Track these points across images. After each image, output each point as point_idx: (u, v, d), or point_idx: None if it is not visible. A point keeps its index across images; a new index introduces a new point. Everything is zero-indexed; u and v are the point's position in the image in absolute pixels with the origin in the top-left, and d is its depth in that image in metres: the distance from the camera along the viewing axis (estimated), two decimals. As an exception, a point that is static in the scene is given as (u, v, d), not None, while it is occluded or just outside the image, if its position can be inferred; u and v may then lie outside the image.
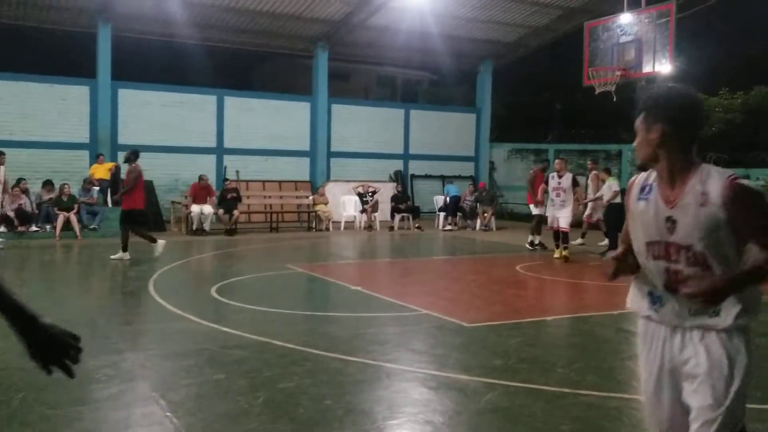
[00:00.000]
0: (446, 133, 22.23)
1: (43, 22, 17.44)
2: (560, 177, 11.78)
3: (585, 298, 8.58)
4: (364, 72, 29.13)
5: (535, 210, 13.43)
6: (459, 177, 21.91)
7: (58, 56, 18.14)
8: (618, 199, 11.75)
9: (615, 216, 11.65)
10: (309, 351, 5.46)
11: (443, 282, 9.81)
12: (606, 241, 13.06)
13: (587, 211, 14.30)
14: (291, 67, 26.69)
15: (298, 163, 20.00)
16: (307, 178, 19.90)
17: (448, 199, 18.47)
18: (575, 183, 11.91)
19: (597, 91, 14.59)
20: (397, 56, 21.31)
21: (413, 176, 21.78)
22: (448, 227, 17.78)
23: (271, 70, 28.99)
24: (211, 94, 19.20)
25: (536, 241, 13.28)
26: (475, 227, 17.76)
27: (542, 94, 25.35)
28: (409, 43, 19.59)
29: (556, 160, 12.47)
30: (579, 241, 14.19)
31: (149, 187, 16.74)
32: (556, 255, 11.88)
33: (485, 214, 17.67)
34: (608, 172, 13.68)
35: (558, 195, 11.71)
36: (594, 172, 14.56)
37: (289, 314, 7.25)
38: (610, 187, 12.49)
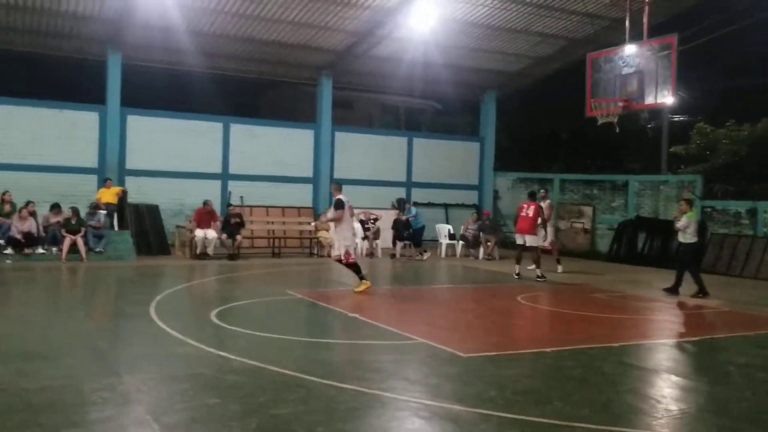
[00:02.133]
0: (449, 161, 22.40)
1: (55, 50, 17.80)
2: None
3: (587, 330, 8.56)
4: (367, 100, 29.45)
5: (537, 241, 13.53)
6: (462, 205, 22.02)
7: (68, 83, 18.48)
8: (694, 237, 11.47)
9: (692, 254, 11.61)
10: (304, 377, 5.51)
11: (442, 311, 9.85)
12: None
13: (549, 238, 14.87)
14: (295, 95, 27.01)
15: (301, 190, 20.18)
16: (310, 205, 20.05)
17: (410, 220, 17.84)
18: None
19: (600, 122, 14.71)
20: (401, 85, 21.58)
21: (416, 204, 21.88)
22: (400, 253, 17.72)
23: (276, 98, 29.33)
24: (218, 121, 19.46)
25: (539, 273, 13.26)
26: (478, 256, 17.80)
27: (547, 124, 25.56)
28: (413, 72, 19.85)
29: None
30: (560, 269, 14.66)
31: (155, 210, 16.97)
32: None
33: (488, 243, 17.72)
34: (689, 204, 11.82)
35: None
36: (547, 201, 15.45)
37: (286, 340, 7.30)
38: (689, 222, 11.42)
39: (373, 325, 8.09)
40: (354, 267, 10.69)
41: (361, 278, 10.67)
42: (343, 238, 10.69)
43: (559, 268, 14.68)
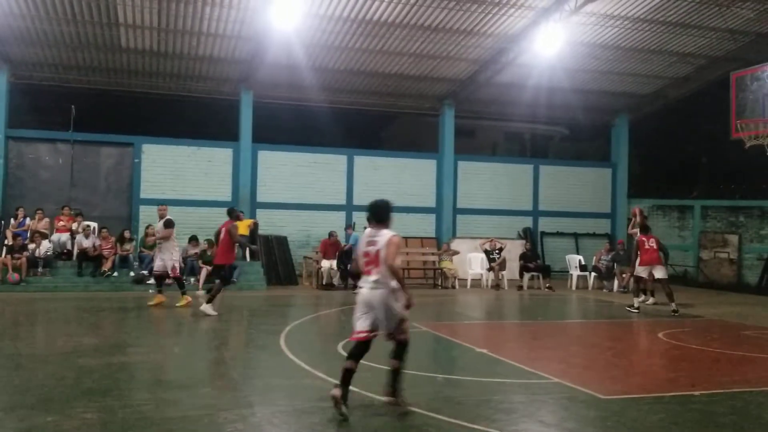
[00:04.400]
0: (579, 189, 21.55)
1: (192, 91, 19.06)
2: None
3: (738, 371, 7.72)
4: (490, 128, 29.00)
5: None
6: (593, 235, 21.03)
7: (204, 122, 19.70)
8: None
9: None
10: (432, 416, 5.28)
11: (576, 348, 9.26)
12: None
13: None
14: (417, 126, 27.17)
15: (424, 220, 20.12)
16: (433, 235, 19.91)
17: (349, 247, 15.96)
18: None
19: (747, 145, 13.54)
20: (525, 112, 21.12)
21: (543, 234, 21.16)
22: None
23: (398, 129, 29.67)
24: (342, 153, 19.95)
25: (673, 307, 12.30)
26: (612, 289, 16.82)
27: (685, 148, 23.94)
28: (538, 98, 19.36)
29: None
30: (651, 300, 13.86)
31: (283, 242, 17.54)
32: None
33: (623, 275, 16.68)
34: None
35: None
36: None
37: (412, 375, 7.09)
38: None
39: (503, 362, 7.72)
40: (179, 281, 12.02)
41: (183, 293, 11.91)
42: (171, 254, 11.85)
43: (650, 300, 13.93)
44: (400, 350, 5.51)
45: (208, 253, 15.21)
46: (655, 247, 12.77)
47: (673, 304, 12.26)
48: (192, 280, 15.14)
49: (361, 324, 5.38)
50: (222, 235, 11.79)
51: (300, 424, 5.09)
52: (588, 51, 17.35)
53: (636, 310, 12.50)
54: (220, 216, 17.98)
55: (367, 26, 15.96)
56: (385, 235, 5.31)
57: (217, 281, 11.55)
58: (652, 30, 16.41)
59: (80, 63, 17.48)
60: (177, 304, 11.50)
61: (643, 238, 12.90)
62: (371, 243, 5.37)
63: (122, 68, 17.86)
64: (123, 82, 18.47)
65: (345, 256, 16.02)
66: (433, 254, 17.92)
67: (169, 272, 11.91)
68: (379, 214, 5.50)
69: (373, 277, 5.31)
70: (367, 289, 5.34)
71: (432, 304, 14.31)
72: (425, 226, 20.07)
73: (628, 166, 22.12)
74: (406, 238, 19.31)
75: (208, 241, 15.49)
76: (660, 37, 16.81)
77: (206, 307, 10.87)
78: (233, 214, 11.87)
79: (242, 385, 6.41)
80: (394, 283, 5.27)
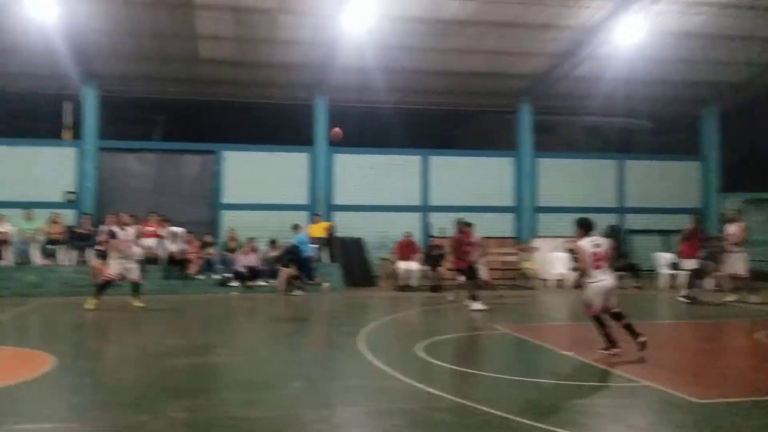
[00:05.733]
0: (666, 183, 20.66)
1: (268, 98, 19.46)
2: None
3: None
4: (569, 124, 28.18)
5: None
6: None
7: (280, 128, 20.07)
8: None
9: None
10: (515, 419, 5.11)
11: (667, 350, 8.80)
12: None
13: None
14: (493, 124, 26.77)
15: (502, 219, 19.75)
16: (513, 234, 19.52)
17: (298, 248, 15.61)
18: None
19: None
20: (606, 105, 20.35)
21: (630, 231, 20.36)
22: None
23: (473, 128, 29.33)
24: (416, 154, 19.87)
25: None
26: (704, 287, 15.97)
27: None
28: (619, 91, 18.61)
29: None
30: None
31: (360, 244, 17.64)
32: None
33: (717, 273, 15.78)
34: None
35: None
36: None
37: (495, 378, 6.94)
38: None
39: (590, 365, 7.41)
40: (102, 285, 11.79)
41: (97, 297, 11.62)
42: (119, 261, 11.88)
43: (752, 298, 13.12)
44: (617, 316, 7.66)
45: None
46: None
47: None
48: (273, 282, 15.45)
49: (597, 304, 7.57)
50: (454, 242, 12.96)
51: (382, 426, 5.06)
52: (672, 40, 16.54)
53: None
54: (298, 219, 18.43)
55: (439, 26, 15.83)
56: (596, 240, 7.72)
57: (463, 279, 12.58)
58: (741, 15, 15.49)
59: (162, 75, 18.19)
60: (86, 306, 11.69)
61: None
62: (596, 245, 7.58)
63: (202, 79, 18.46)
64: (203, 92, 19.08)
65: (429, 257, 16.28)
66: (512, 254, 17.55)
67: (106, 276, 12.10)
68: (588, 226, 7.82)
69: (604, 271, 7.51)
70: (608, 279, 7.51)
71: (513, 305, 14.02)
72: (504, 225, 19.69)
73: (719, 159, 20.99)
74: (484, 238, 19.01)
75: (287, 244, 15.72)
76: (752, 21, 15.84)
77: (475, 305, 11.92)
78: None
79: (323, 386, 6.44)
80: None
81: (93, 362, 7.64)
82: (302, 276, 15.26)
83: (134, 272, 12.13)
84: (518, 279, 17.08)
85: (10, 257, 15.49)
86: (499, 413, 5.27)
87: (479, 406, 5.46)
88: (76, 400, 5.76)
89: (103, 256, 13.22)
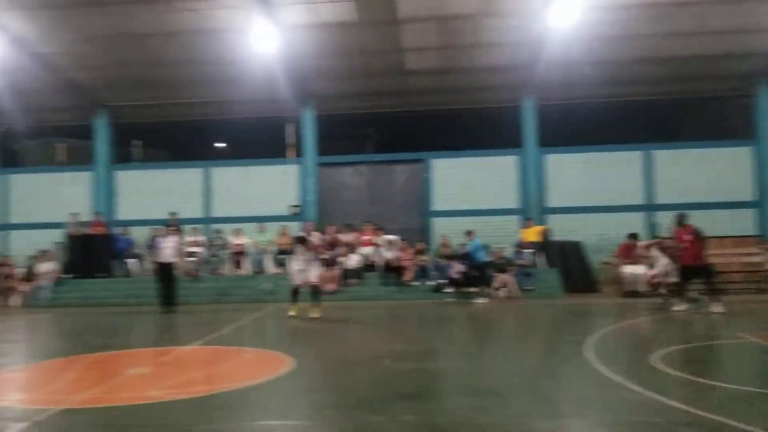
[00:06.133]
0: None
1: (474, 103, 19.45)
2: None
3: None
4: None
5: None
6: None
7: (487, 132, 19.97)
8: None
9: None
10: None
11: None
12: None
13: None
14: (723, 111, 24.13)
15: (740, 216, 17.63)
16: (755, 233, 17.32)
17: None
18: None
19: None
20: None
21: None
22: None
23: (698, 117, 26.72)
24: (635, 149, 18.51)
25: None
26: None
27: None
28: None
29: None
30: None
31: (579, 247, 16.82)
32: None
33: None
34: None
35: None
36: None
37: (744, 391, 6.08)
38: None
39: None
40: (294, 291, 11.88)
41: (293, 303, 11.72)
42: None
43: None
44: None
45: (497, 261, 15.21)
46: None
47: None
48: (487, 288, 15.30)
49: None
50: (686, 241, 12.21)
51: (621, 440, 4.62)
52: None
53: None
54: (509, 223, 18.11)
55: (654, 9, 14.62)
56: None
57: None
58: None
59: (371, 90, 19.04)
60: None
61: None
62: None
63: (409, 90, 18.99)
64: (410, 103, 19.62)
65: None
66: (756, 254, 15.56)
67: None
68: None
69: None
70: None
71: (759, 311, 12.41)
72: (742, 222, 17.57)
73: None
74: (719, 237, 17.10)
75: (500, 249, 15.53)
76: None
77: (716, 307, 11.63)
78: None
79: (552, 395, 6.11)
80: None
81: (324, 363, 8.05)
82: (477, 283, 15.00)
83: (313, 275, 12.08)
84: (764, 281, 15.07)
85: (247, 267, 17.25)
86: (751, 428, 4.58)
87: (731, 422, 4.80)
88: (313, 399, 6.06)
89: (327, 264, 14.01)
